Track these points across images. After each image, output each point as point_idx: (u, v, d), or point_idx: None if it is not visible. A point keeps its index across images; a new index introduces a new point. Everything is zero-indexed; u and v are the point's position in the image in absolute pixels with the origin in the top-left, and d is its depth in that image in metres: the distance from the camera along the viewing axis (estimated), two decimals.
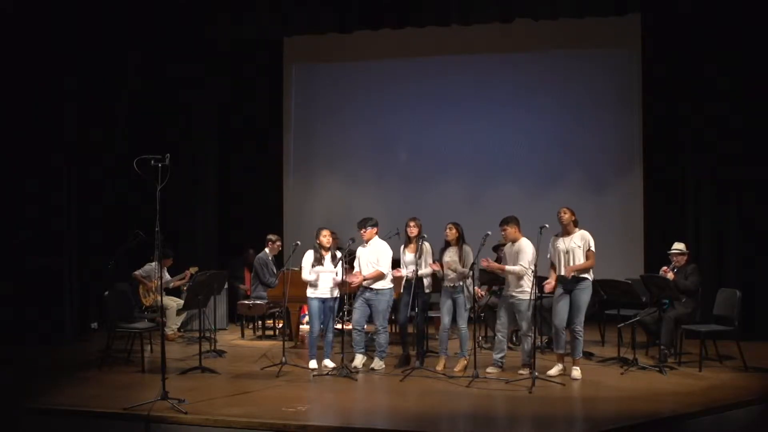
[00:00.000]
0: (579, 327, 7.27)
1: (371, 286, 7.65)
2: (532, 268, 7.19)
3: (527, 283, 7.26)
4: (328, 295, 7.72)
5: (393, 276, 7.72)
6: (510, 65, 11.26)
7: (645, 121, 10.70)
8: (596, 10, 9.48)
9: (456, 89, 11.35)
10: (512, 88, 11.25)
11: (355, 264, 7.85)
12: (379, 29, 10.22)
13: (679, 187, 9.88)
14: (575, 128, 11.02)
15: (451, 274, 7.54)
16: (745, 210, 9.23)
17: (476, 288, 7.57)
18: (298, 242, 7.89)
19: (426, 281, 7.73)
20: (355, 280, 7.66)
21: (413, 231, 7.75)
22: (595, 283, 7.83)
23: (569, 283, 7.28)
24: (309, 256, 7.75)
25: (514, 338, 8.64)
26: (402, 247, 7.88)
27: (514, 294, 7.36)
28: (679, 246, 8.25)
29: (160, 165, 6.21)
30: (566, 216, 7.34)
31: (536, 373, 6.93)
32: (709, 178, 9.39)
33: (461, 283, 7.54)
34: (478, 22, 9.93)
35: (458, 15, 9.69)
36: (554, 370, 7.36)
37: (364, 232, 7.75)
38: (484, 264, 7.39)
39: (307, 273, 7.70)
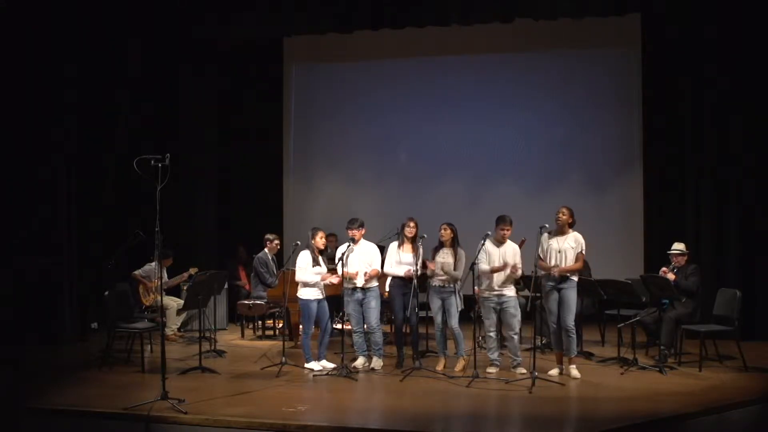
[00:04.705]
0: (571, 325, 7.27)
1: (360, 286, 7.65)
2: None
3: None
4: (323, 296, 7.72)
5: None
6: (510, 65, 11.24)
7: (645, 121, 10.68)
8: (596, 10, 9.49)
9: (456, 89, 11.33)
10: (512, 88, 11.22)
11: (347, 262, 7.68)
12: (379, 29, 10.22)
13: (679, 187, 9.88)
14: (575, 128, 11.00)
15: (441, 274, 7.54)
16: (745, 210, 9.22)
17: (476, 288, 7.55)
18: (298, 242, 7.87)
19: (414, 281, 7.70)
20: (352, 274, 7.63)
21: (413, 231, 7.74)
22: (595, 283, 7.85)
23: (556, 281, 7.30)
24: (306, 256, 7.69)
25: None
26: (395, 246, 7.86)
27: (503, 293, 7.38)
28: (679, 246, 8.25)
29: (160, 165, 6.21)
30: (564, 217, 7.34)
31: (536, 373, 6.93)
32: (709, 178, 9.38)
33: (452, 285, 7.55)
34: (478, 22, 9.92)
35: (458, 15, 9.69)
36: (554, 371, 7.36)
37: (356, 232, 7.75)
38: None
39: (310, 274, 7.64)
